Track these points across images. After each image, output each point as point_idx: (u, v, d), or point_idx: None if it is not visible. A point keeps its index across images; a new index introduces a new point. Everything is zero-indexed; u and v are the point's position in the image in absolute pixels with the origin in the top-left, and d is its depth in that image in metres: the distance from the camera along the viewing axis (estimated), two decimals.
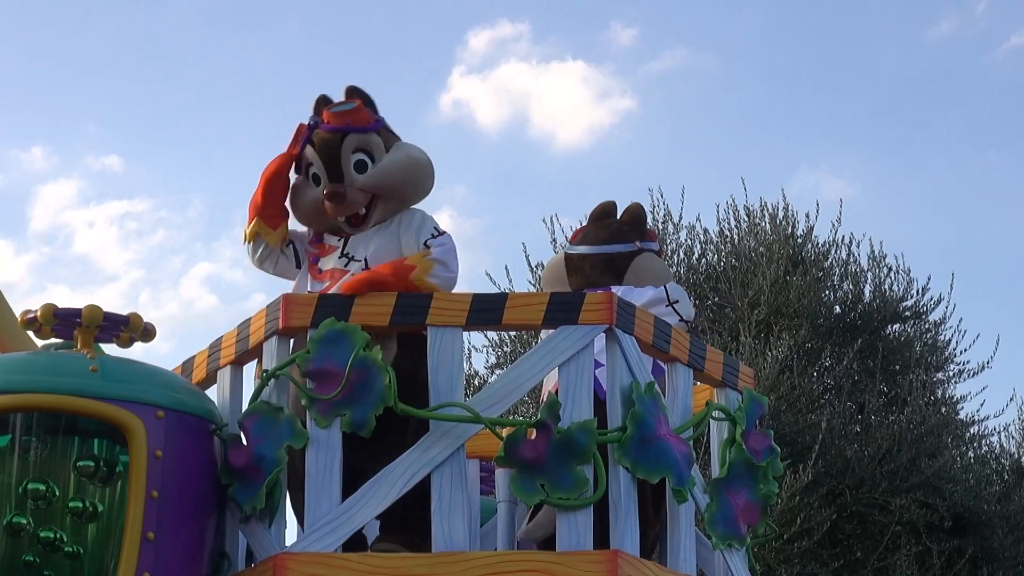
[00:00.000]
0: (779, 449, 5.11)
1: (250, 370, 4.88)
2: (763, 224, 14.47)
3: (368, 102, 5.15)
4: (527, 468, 4.49)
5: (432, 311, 4.57)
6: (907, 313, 14.60)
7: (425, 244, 5.00)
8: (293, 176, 5.18)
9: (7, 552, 4.30)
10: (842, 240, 14.58)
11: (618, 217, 5.79)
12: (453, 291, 4.86)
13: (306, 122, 5.15)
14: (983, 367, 14.45)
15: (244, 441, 4.57)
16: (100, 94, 25.47)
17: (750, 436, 4.99)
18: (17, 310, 4.93)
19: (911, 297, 14.62)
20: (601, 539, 4.49)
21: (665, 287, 5.50)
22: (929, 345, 14.56)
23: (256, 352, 4.73)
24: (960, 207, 24.09)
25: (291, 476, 4.57)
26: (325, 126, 5.10)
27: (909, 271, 14.68)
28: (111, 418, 4.34)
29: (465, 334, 4.65)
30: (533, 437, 4.52)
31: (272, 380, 4.57)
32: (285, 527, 4.59)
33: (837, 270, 14.53)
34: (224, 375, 4.83)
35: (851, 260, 14.63)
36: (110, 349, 4.67)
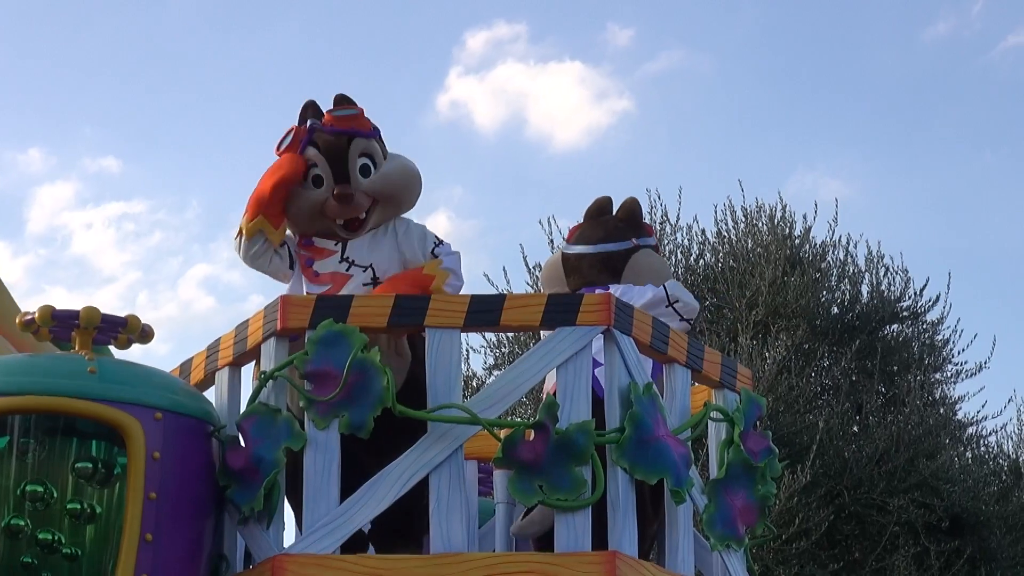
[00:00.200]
0: (777, 450, 5.11)
1: (248, 371, 4.88)
2: (760, 225, 14.48)
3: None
4: (525, 469, 4.49)
5: (430, 312, 4.57)
6: (905, 313, 14.60)
7: (432, 253, 5.06)
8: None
9: (5, 554, 4.29)
10: (840, 241, 14.60)
11: (614, 213, 5.77)
12: None
13: (299, 126, 5.15)
14: (981, 367, 14.46)
15: (242, 443, 4.57)
16: (97, 96, 25.47)
17: (748, 437, 4.99)
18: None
19: (908, 298, 14.62)
20: (599, 540, 4.49)
21: (665, 286, 5.49)
22: (927, 345, 14.57)
23: (254, 353, 4.73)
24: (958, 207, 24.11)
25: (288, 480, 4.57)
26: (330, 128, 5.11)
27: (906, 271, 14.70)
28: (109, 420, 4.34)
29: (463, 335, 4.66)
30: (531, 438, 4.52)
31: (270, 381, 4.57)
32: (283, 528, 4.59)
33: (835, 271, 14.54)
34: (222, 376, 4.83)
35: (849, 261, 14.64)
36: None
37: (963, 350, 14.55)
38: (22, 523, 4.30)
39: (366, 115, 5.18)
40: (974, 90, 23.67)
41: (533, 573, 4.39)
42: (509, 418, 4.95)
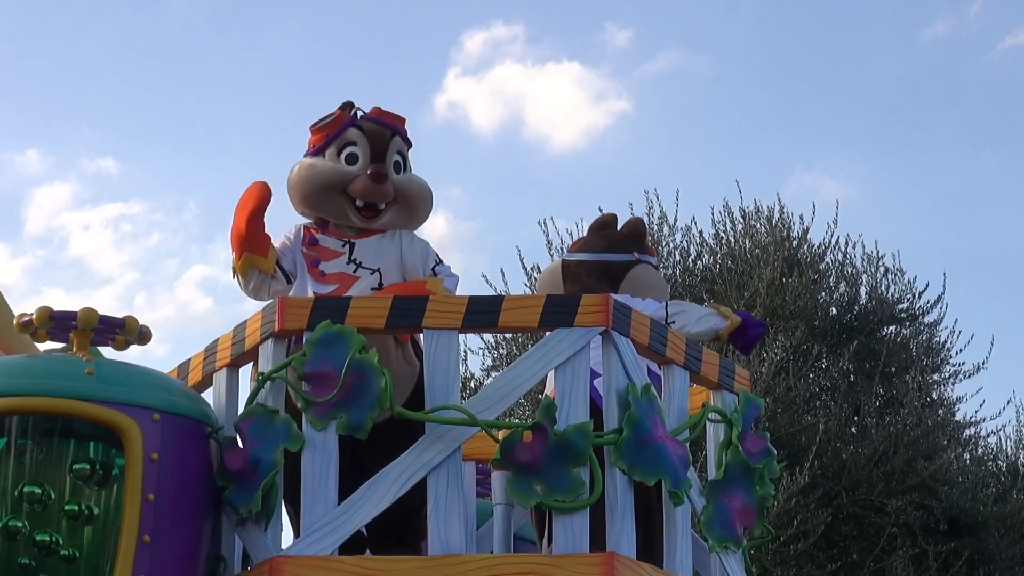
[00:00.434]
0: (775, 451, 5.11)
1: (246, 373, 4.88)
2: (758, 226, 14.48)
3: None
4: (523, 470, 4.49)
5: (428, 313, 4.57)
6: (903, 315, 14.60)
7: (433, 271, 5.13)
8: (313, 158, 5.21)
9: (3, 555, 4.29)
10: (838, 242, 14.60)
11: (618, 229, 5.81)
12: None
13: (341, 112, 5.24)
14: (979, 368, 14.46)
15: (240, 444, 4.57)
16: (95, 97, 25.47)
17: (746, 438, 4.99)
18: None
19: (907, 299, 14.62)
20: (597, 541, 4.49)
21: (667, 305, 5.50)
22: (925, 346, 14.57)
23: (252, 355, 4.73)
24: (956, 208, 24.11)
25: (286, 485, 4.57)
26: (376, 118, 5.24)
27: (903, 272, 14.69)
28: (107, 421, 4.34)
29: (461, 336, 4.65)
30: (529, 440, 4.51)
31: (268, 383, 4.57)
32: (281, 530, 4.59)
33: (833, 272, 14.54)
34: (220, 378, 4.83)
35: (847, 262, 14.64)
36: (106, 352, 4.66)
37: (961, 351, 14.56)
38: (20, 524, 4.29)
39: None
40: (973, 91, 23.68)
41: (531, 574, 4.39)
42: (507, 419, 4.95)
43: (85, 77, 25.50)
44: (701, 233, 14.68)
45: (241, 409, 4.65)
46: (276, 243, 5.15)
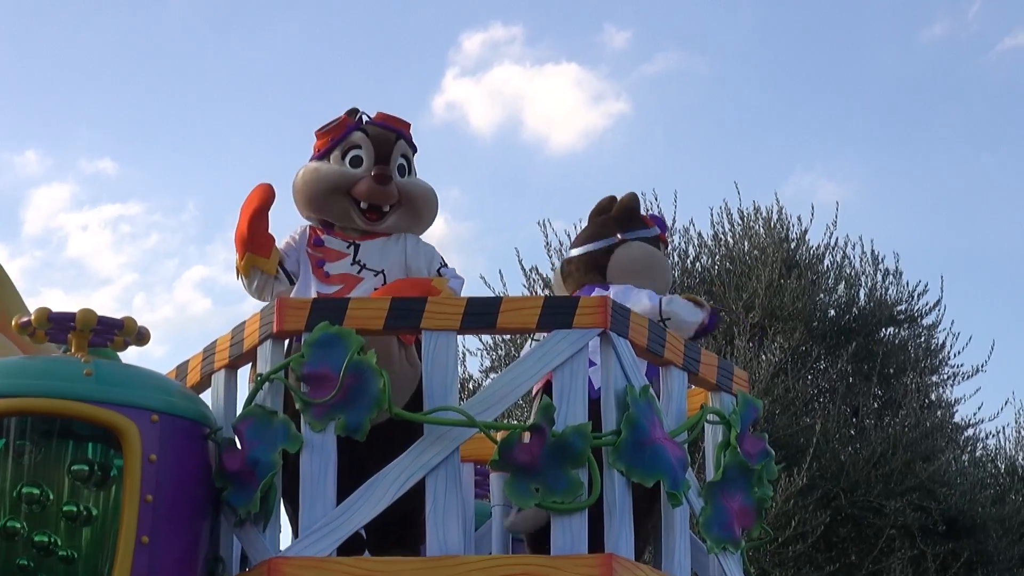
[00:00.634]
0: (773, 452, 5.11)
1: (245, 374, 4.88)
2: (757, 227, 14.47)
3: None
4: (522, 472, 4.49)
5: (426, 315, 4.57)
6: (901, 316, 14.60)
7: (438, 272, 5.14)
8: (318, 162, 5.23)
9: (1, 556, 4.29)
10: (836, 243, 14.60)
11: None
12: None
13: (346, 116, 5.27)
14: (977, 370, 14.47)
15: (238, 445, 4.57)
16: (94, 97, 25.48)
17: (744, 439, 4.99)
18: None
19: (904, 302, 14.62)
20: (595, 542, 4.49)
21: (661, 301, 5.38)
22: (924, 348, 14.57)
23: (251, 356, 4.73)
24: (954, 209, 24.12)
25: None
26: (381, 122, 5.27)
27: (901, 274, 14.69)
28: (105, 422, 4.34)
29: (460, 337, 4.65)
30: (528, 441, 4.51)
31: (266, 384, 4.57)
32: (279, 531, 4.58)
33: (831, 273, 14.54)
34: (218, 379, 4.83)
35: (846, 263, 14.63)
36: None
37: (959, 352, 14.56)
38: (18, 525, 4.29)
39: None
40: (971, 92, 23.70)
41: (530, 575, 4.39)
42: (506, 421, 4.95)
43: (84, 78, 25.52)
44: (700, 234, 14.69)
45: (240, 410, 4.65)
46: (281, 244, 5.17)
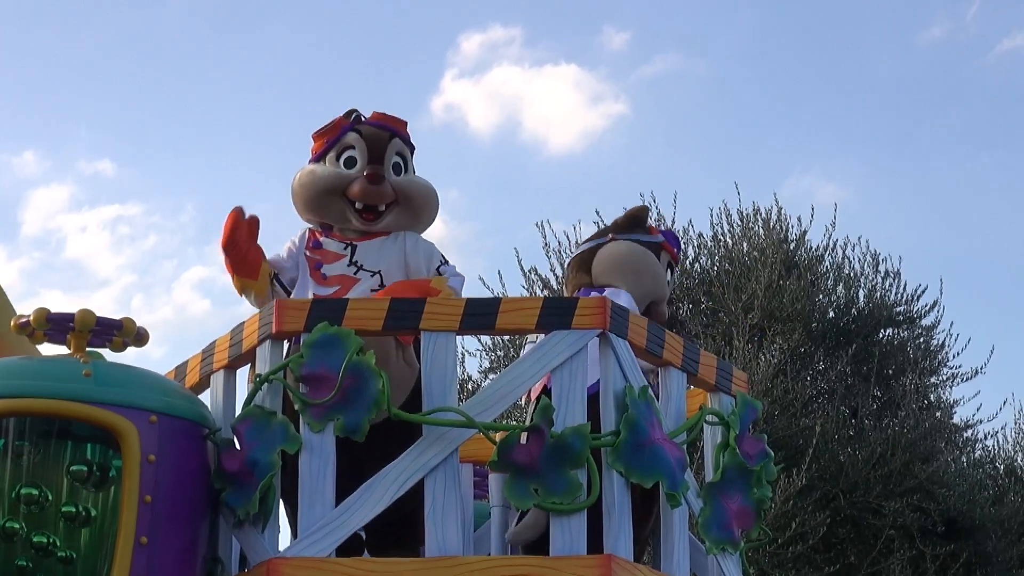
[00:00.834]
0: (773, 453, 5.11)
1: (243, 374, 4.88)
2: (756, 228, 14.48)
3: None
4: (521, 472, 4.49)
5: (425, 315, 4.57)
6: (900, 317, 14.61)
7: (438, 271, 5.11)
8: (314, 165, 5.22)
9: (0, 557, 4.28)
10: (835, 245, 14.60)
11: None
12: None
13: (341, 118, 5.27)
14: (976, 371, 14.48)
15: (237, 446, 4.57)
16: (92, 99, 25.49)
17: (744, 440, 4.99)
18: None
19: (903, 303, 14.63)
20: (594, 543, 4.49)
21: (631, 301, 5.32)
22: (922, 349, 14.58)
23: (249, 356, 4.73)
24: (953, 210, 24.13)
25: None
26: (374, 122, 5.26)
27: (900, 275, 14.70)
28: (104, 423, 4.34)
29: (459, 338, 4.65)
30: (527, 441, 4.51)
31: (265, 384, 4.57)
32: (278, 532, 4.58)
33: (831, 274, 14.54)
34: (217, 379, 4.83)
35: (845, 264, 14.64)
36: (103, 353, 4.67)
37: (958, 353, 14.57)
38: (17, 526, 4.29)
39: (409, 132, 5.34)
40: (969, 93, 23.72)
41: None
42: (505, 421, 4.95)
43: (82, 79, 25.52)
44: (699, 235, 14.70)
45: (238, 411, 4.65)
46: (282, 251, 5.20)
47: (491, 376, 13.73)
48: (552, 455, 4.47)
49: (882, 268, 14.67)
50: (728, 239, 14.58)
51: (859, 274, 14.67)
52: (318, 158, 5.26)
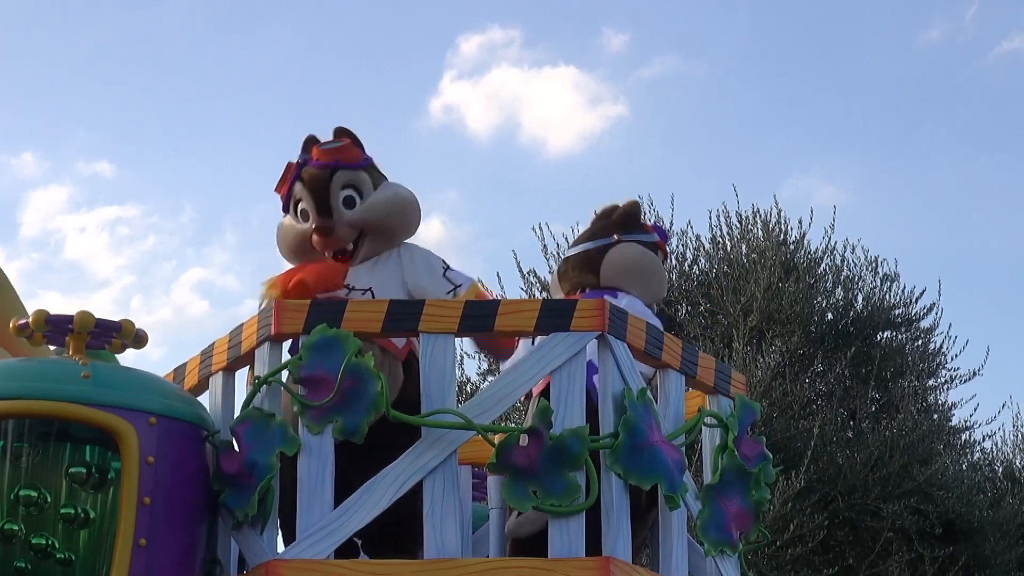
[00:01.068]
0: (771, 455, 5.11)
1: (242, 376, 4.88)
2: (755, 230, 14.49)
3: (356, 141, 5.19)
4: (519, 474, 4.49)
5: (424, 317, 4.57)
6: (899, 320, 14.62)
7: (445, 277, 5.05)
8: (284, 217, 5.20)
9: None
10: (834, 247, 14.60)
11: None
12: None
13: (295, 161, 5.18)
14: (974, 373, 14.49)
15: (236, 447, 4.57)
16: (91, 100, 25.49)
17: (742, 442, 4.99)
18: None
19: (902, 305, 14.63)
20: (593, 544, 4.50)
21: (633, 307, 5.33)
22: (921, 352, 14.59)
23: (248, 358, 4.73)
24: (952, 212, 24.14)
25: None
26: (314, 163, 5.14)
27: (899, 277, 14.71)
28: (103, 424, 4.34)
29: (457, 340, 4.65)
30: (525, 443, 4.51)
31: (264, 386, 4.57)
32: (277, 534, 4.58)
33: (829, 277, 14.55)
34: (216, 381, 4.83)
35: (844, 267, 14.65)
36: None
37: (957, 356, 14.58)
38: (16, 528, 4.29)
39: (357, 145, 5.18)
40: (968, 95, 23.73)
41: None
42: (503, 423, 4.95)
43: (81, 80, 25.53)
44: (698, 237, 14.70)
45: (237, 413, 4.65)
46: None
47: (490, 378, 13.73)
48: (551, 457, 4.47)
49: (880, 271, 14.69)
50: (727, 241, 14.59)
51: (858, 277, 14.68)
52: (284, 208, 5.23)
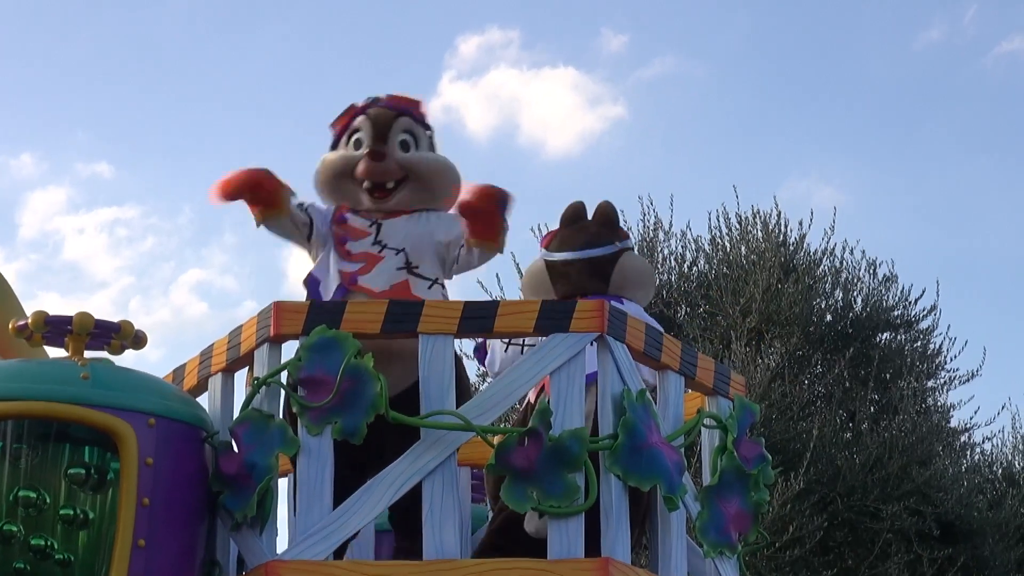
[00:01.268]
0: (770, 457, 5.11)
1: (241, 377, 4.88)
2: (755, 232, 14.48)
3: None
4: (519, 476, 4.49)
5: (423, 318, 4.57)
6: (898, 321, 14.62)
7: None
8: (330, 153, 5.25)
9: None
10: (833, 248, 14.60)
11: (589, 218, 5.72)
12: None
13: (354, 105, 5.30)
14: (973, 375, 14.49)
15: (235, 448, 4.56)
16: (89, 101, 25.49)
17: (741, 444, 4.99)
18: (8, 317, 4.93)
19: (901, 306, 14.63)
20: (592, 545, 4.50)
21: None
22: (920, 353, 14.59)
23: (247, 359, 4.73)
24: (951, 213, 24.16)
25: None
26: (384, 103, 5.30)
27: (897, 278, 14.71)
28: (102, 425, 4.34)
29: (456, 341, 4.65)
30: (524, 445, 4.51)
31: (263, 387, 4.57)
32: (276, 535, 4.58)
33: (829, 278, 14.55)
34: (215, 382, 4.83)
35: (843, 268, 14.65)
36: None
37: (956, 357, 14.58)
38: (15, 529, 4.29)
39: (426, 111, 5.35)
40: (967, 96, 23.74)
41: None
42: (502, 425, 4.95)
43: (80, 81, 25.53)
44: (697, 238, 14.70)
45: (236, 414, 4.65)
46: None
47: (488, 379, 13.73)
48: (550, 458, 4.47)
49: (879, 272, 14.69)
50: (726, 242, 14.58)
51: (857, 278, 14.68)
52: (333, 146, 5.30)
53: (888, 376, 14.32)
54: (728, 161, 22.79)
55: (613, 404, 4.58)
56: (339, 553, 4.57)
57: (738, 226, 14.58)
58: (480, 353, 5.52)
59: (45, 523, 4.31)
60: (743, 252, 14.42)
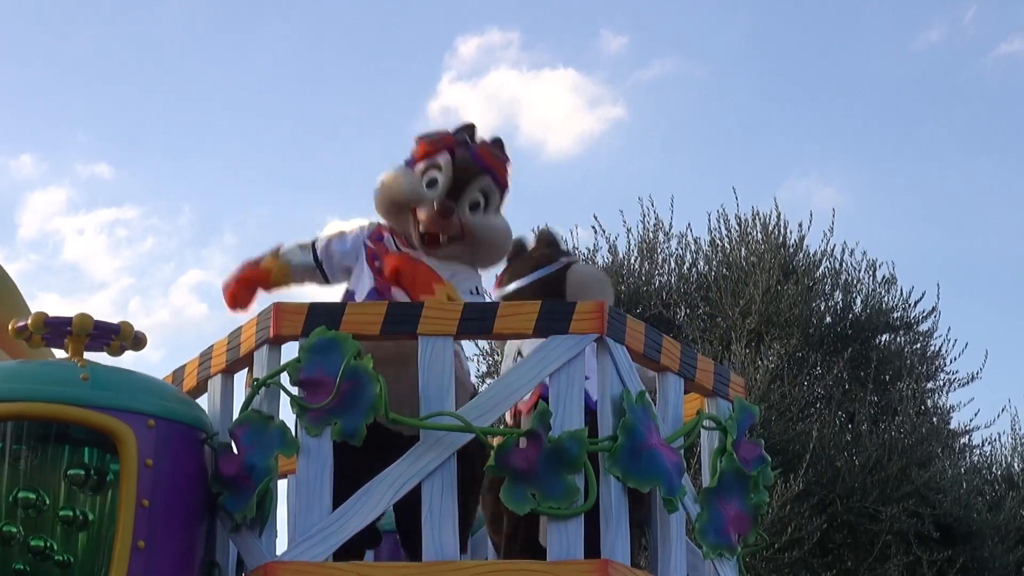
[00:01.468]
0: (770, 458, 5.11)
1: (241, 378, 4.88)
2: (754, 233, 14.48)
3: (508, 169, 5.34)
4: (518, 477, 4.49)
5: (423, 320, 4.57)
6: (897, 323, 14.61)
7: (476, 290, 5.17)
8: (404, 169, 5.20)
9: None
10: (833, 250, 14.60)
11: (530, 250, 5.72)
12: None
13: (451, 134, 5.27)
14: (973, 377, 14.48)
15: (235, 450, 4.57)
16: (89, 102, 25.49)
17: (741, 445, 4.99)
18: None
19: (900, 308, 14.63)
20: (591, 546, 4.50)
21: None
22: (919, 355, 14.59)
23: (247, 360, 4.73)
24: (950, 215, 24.16)
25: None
26: (475, 156, 5.21)
27: (896, 279, 14.70)
28: (102, 427, 4.34)
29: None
30: (524, 446, 4.51)
31: (262, 389, 4.57)
32: (275, 536, 4.58)
33: (828, 280, 14.55)
34: (215, 384, 4.83)
35: (843, 270, 14.65)
36: (100, 357, 4.67)
37: (955, 359, 14.58)
38: (14, 530, 4.29)
39: (510, 173, 5.31)
40: (967, 97, 23.75)
41: None
42: (502, 426, 4.95)
43: (79, 82, 25.54)
44: (696, 240, 14.70)
45: (236, 415, 4.65)
46: (348, 234, 5.26)
47: (488, 381, 13.73)
48: (549, 460, 4.47)
49: (879, 273, 14.69)
50: (726, 244, 14.58)
51: (856, 279, 14.68)
52: (412, 163, 5.23)
53: (888, 378, 14.32)
54: (728, 162, 22.80)
55: (613, 405, 4.58)
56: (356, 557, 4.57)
57: (738, 227, 14.58)
58: None
59: (45, 524, 4.31)
60: (743, 253, 14.42)
